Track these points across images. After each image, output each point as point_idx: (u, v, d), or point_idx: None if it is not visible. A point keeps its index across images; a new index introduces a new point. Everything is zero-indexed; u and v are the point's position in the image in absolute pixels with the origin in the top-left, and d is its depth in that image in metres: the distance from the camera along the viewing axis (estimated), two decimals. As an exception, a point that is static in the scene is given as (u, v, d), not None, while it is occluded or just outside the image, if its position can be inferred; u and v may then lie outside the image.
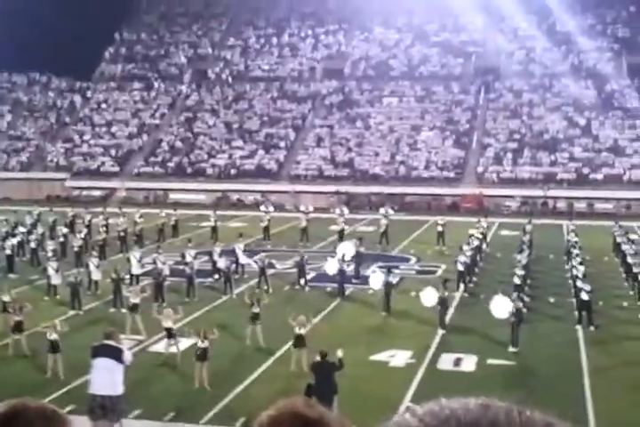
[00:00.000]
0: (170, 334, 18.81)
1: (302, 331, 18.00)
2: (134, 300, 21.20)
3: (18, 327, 19.32)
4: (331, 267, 26.14)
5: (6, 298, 21.46)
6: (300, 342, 17.94)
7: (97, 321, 22.11)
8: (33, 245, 31.33)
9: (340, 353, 15.08)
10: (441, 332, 21.43)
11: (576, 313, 22.39)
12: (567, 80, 58.67)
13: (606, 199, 46.55)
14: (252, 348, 19.70)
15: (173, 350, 18.80)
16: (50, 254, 28.37)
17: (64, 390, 16.66)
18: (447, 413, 0.88)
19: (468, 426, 0.85)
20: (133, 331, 20.74)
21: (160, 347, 19.93)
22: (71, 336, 19.27)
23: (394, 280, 25.07)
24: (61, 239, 32.95)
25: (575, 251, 28.31)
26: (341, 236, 34.88)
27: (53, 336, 17.43)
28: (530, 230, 33.41)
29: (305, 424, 1.61)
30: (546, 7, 64.06)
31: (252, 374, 17.99)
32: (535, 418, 0.88)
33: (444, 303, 21.84)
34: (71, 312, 23.31)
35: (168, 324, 18.84)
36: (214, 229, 36.51)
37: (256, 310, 19.98)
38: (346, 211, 39.65)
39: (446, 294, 22.01)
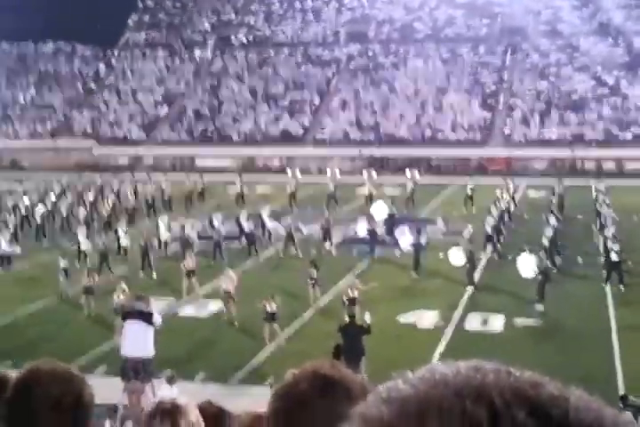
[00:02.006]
0: (229, 296, 19.09)
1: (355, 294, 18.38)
2: (189, 266, 21.73)
3: (89, 290, 20.02)
4: (361, 228, 26.27)
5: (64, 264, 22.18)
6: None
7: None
8: (64, 212, 31.66)
9: (367, 317, 15.18)
10: (470, 289, 21.48)
11: (604, 273, 22.30)
12: (595, 39, 57.77)
13: (636, 159, 46.00)
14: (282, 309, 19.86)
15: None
16: (81, 221, 28.68)
17: (97, 352, 16.95)
18: (437, 377, 0.90)
19: (457, 389, 0.88)
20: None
21: (189, 310, 20.21)
22: (103, 301, 19.59)
23: (423, 241, 25.07)
24: (90, 207, 33.23)
25: (605, 211, 28.08)
26: (370, 199, 34.83)
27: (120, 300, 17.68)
28: (560, 191, 33.15)
29: (324, 383, 1.66)
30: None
31: (283, 333, 18.18)
32: (523, 378, 0.90)
33: (472, 261, 21.92)
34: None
35: (228, 286, 19.14)
36: (240, 194, 36.65)
37: (314, 275, 20.34)
38: (374, 174, 39.56)
39: (473, 251, 22.09)
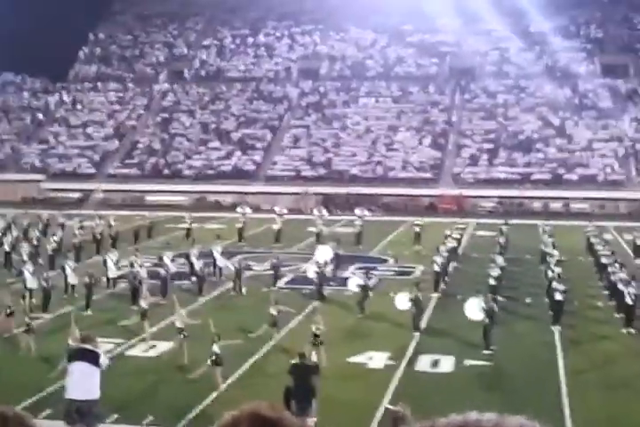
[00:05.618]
0: (181, 334, 18.75)
1: (318, 331, 18.20)
2: (144, 305, 21.12)
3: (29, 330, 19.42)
4: (310, 270, 26.19)
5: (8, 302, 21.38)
6: (317, 340, 18.09)
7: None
8: (6, 248, 31.03)
9: (313, 357, 15.09)
10: (416, 334, 21.47)
11: (550, 313, 22.54)
12: (541, 80, 59.11)
13: (581, 199, 46.90)
14: (227, 352, 19.58)
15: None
16: (25, 258, 28.10)
17: (40, 395, 16.54)
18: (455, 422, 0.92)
19: None
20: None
21: (137, 351, 19.89)
22: (45, 340, 19.22)
23: (371, 283, 25.09)
24: (35, 242, 32.69)
25: (550, 251, 28.49)
26: (319, 238, 34.88)
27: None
28: (506, 231, 33.59)
29: (263, 425, 1.65)
30: (520, 8, 64.38)
31: (231, 377, 17.93)
32: None
33: (418, 305, 21.88)
34: (47, 316, 23.13)
35: (180, 324, 18.84)
36: (188, 230, 36.47)
37: (274, 312, 20.16)
38: (325, 212, 39.68)
39: (420, 295, 22.02)
